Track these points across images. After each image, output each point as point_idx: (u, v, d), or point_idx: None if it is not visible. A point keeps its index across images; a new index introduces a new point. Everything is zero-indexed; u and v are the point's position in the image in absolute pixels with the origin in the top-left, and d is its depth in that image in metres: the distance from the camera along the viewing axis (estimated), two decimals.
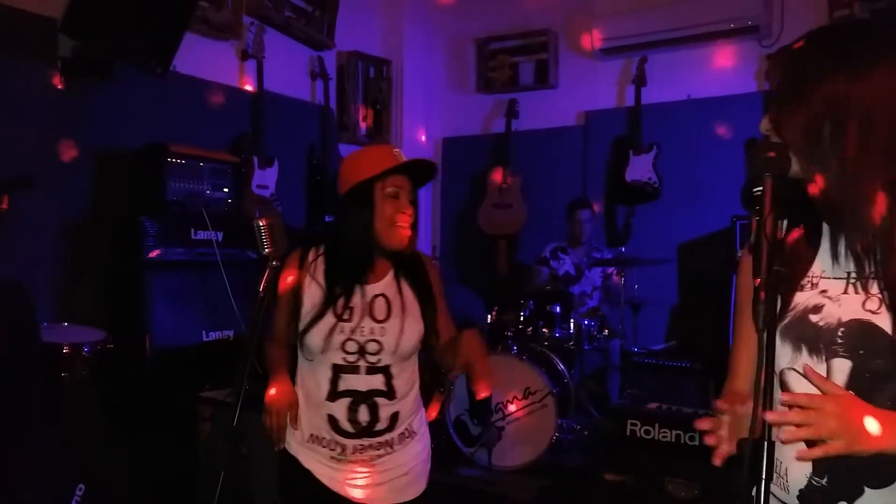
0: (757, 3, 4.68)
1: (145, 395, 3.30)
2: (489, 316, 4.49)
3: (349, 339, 1.81)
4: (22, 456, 2.50)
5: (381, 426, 1.84)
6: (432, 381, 4.18)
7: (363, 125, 5.60)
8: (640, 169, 5.04)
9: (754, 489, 1.11)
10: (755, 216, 1.01)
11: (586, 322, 4.41)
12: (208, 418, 3.15)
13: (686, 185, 4.96)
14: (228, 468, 1.72)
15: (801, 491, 1.14)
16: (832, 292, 1.13)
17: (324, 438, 1.84)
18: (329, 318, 1.81)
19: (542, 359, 4.16)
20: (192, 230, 3.56)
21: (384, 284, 1.89)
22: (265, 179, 4.37)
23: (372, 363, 1.82)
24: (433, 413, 4.16)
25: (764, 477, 0.94)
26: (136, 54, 3.57)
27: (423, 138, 6.03)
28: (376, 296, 1.86)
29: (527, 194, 5.52)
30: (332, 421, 1.83)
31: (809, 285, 1.16)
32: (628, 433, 3.43)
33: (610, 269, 4.78)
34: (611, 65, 5.40)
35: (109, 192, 3.73)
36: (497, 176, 5.58)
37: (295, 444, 1.88)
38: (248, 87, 4.57)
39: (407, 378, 1.90)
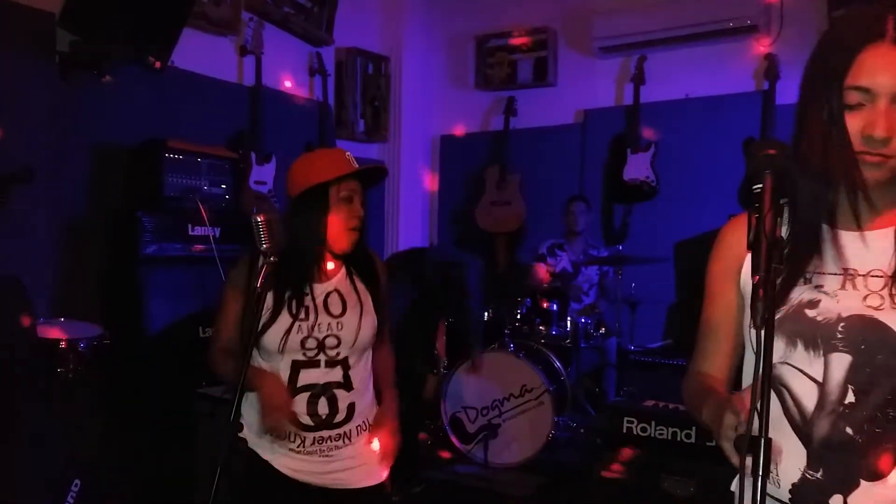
0: (755, 3, 4.69)
1: (142, 390, 3.29)
2: (486, 313, 4.49)
3: (308, 337, 1.85)
4: (18, 451, 2.49)
5: (339, 418, 1.89)
6: (425, 364, 4.21)
7: (361, 122, 5.60)
8: (637, 167, 5.04)
9: (735, 483, 1.11)
10: (754, 213, 1.01)
11: (583, 320, 4.42)
12: (205, 414, 3.15)
13: (684, 183, 4.97)
14: (224, 464, 1.72)
15: (793, 485, 1.14)
16: (828, 288, 1.13)
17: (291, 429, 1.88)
18: (285, 319, 1.85)
19: (538, 356, 4.16)
20: (190, 226, 3.55)
21: (336, 281, 1.95)
22: (263, 175, 4.37)
23: (331, 357, 1.88)
24: (431, 391, 4.18)
25: (761, 473, 0.94)
26: (134, 49, 3.57)
27: (421, 135, 6.03)
28: (330, 292, 1.92)
29: (525, 192, 5.52)
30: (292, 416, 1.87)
31: (803, 280, 1.16)
32: (625, 431, 3.44)
33: (606, 267, 4.79)
34: (609, 63, 5.40)
35: (107, 188, 3.72)
36: (495, 174, 5.58)
37: (252, 438, 1.91)
38: (247, 83, 4.56)
39: (363, 370, 1.96)
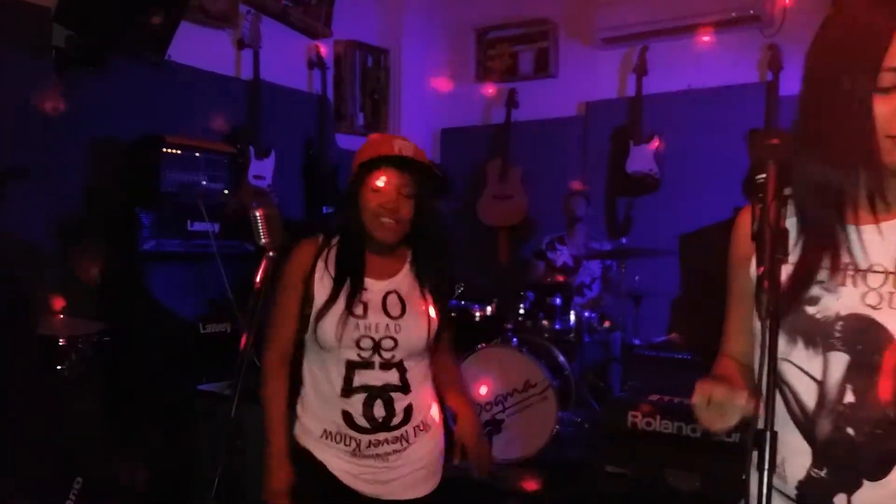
0: None
1: (142, 387, 3.27)
2: (489, 308, 4.46)
3: (364, 336, 1.79)
4: (19, 449, 2.48)
5: (396, 420, 1.82)
6: None
7: (361, 115, 5.56)
8: (640, 160, 5.01)
9: (745, 477, 1.10)
10: (758, 204, 1.00)
11: (587, 314, 4.39)
12: (205, 411, 3.13)
13: (687, 175, 4.93)
14: (225, 461, 1.69)
15: (799, 482, 1.14)
16: (829, 283, 1.11)
17: (337, 434, 1.82)
18: (341, 310, 1.79)
19: (542, 351, 4.13)
20: (189, 221, 3.53)
21: (399, 279, 1.87)
22: (262, 170, 4.34)
23: (386, 359, 1.80)
24: None
25: (767, 468, 0.93)
26: (130, 44, 3.53)
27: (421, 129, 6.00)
28: (390, 292, 1.85)
29: (527, 185, 5.49)
30: (347, 417, 1.81)
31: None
32: (629, 425, 3.41)
33: (610, 261, 4.75)
34: (611, 54, 5.35)
35: (104, 183, 3.70)
36: (496, 167, 5.54)
37: (306, 439, 1.87)
38: (245, 77, 4.52)
39: (421, 371, 1.89)
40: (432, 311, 1.87)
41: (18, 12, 3.31)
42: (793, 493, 1.14)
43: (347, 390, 1.80)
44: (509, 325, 4.24)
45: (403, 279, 1.88)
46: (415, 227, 1.85)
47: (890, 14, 1.04)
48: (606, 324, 4.48)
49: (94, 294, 3.57)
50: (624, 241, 4.76)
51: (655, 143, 4.98)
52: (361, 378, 1.80)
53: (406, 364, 1.83)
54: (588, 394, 4.42)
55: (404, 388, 1.83)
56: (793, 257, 1.11)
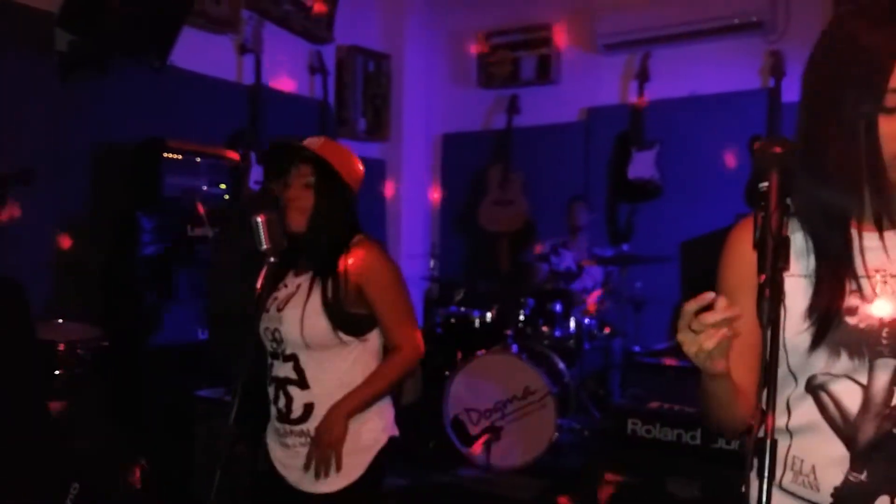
0: None
1: (141, 393, 3.27)
2: (489, 314, 4.45)
3: (267, 328, 1.90)
4: (16, 455, 2.47)
5: (295, 415, 1.88)
6: None
7: (363, 120, 5.56)
8: (642, 166, 5.00)
9: (745, 488, 1.08)
10: (760, 212, 0.99)
11: (587, 320, 4.38)
12: (204, 416, 3.12)
13: (689, 182, 4.92)
14: (224, 467, 1.69)
15: (836, 488, 1.12)
16: (864, 292, 1.11)
17: (273, 423, 1.95)
18: (264, 302, 1.90)
19: (541, 358, 4.12)
20: (189, 226, 3.52)
21: (306, 275, 1.91)
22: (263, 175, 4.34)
23: (282, 351, 1.90)
24: (409, 393, 3.99)
25: (766, 475, 0.92)
26: (133, 48, 3.54)
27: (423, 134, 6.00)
28: (300, 285, 1.90)
29: (528, 191, 5.48)
30: (272, 406, 1.94)
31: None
32: (629, 432, 3.40)
33: (611, 267, 4.74)
34: (613, 60, 5.35)
35: (106, 188, 3.70)
36: (497, 173, 5.54)
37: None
38: (246, 82, 4.53)
39: (324, 370, 1.86)
40: (317, 305, 1.84)
41: (22, 17, 3.32)
42: (827, 500, 1.13)
43: (269, 379, 1.94)
44: (509, 332, 4.24)
45: (309, 274, 1.91)
46: (312, 218, 1.87)
47: (892, 34, 1.05)
48: (607, 330, 4.47)
49: (94, 299, 3.57)
50: (625, 247, 4.75)
51: (657, 150, 4.97)
52: (274, 369, 1.92)
53: (300, 358, 1.87)
54: (588, 401, 4.41)
55: (301, 383, 1.88)
56: (806, 271, 1.11)
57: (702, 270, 4.90)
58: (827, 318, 1.08)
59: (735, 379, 1.19)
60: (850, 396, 1.11)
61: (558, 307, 4.34)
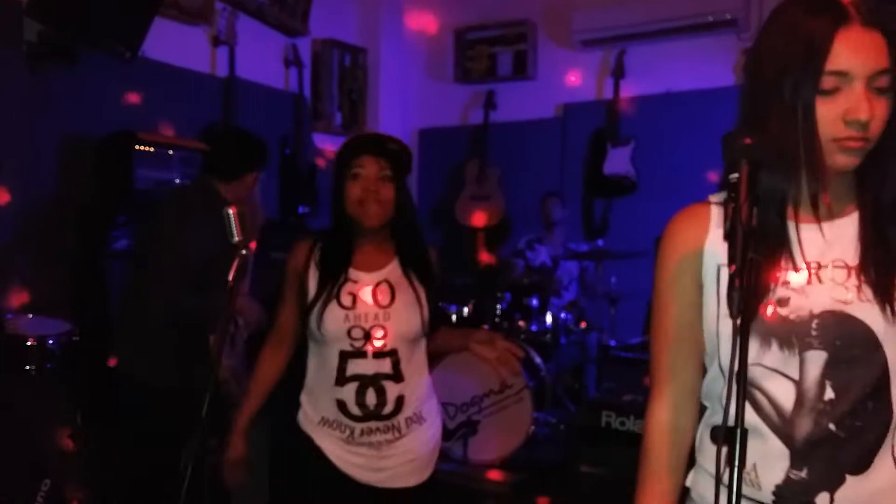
0: None
1: (112, 388, 3.22)
2: (466, 309, 4.45)
3: (354, 326, 1.87)
4: None
5: (387, 409, 1.89)
6: None
7: (339, 114, 5.53)
8: (617, 162, 5.03)
9: (689, 478, 1.08)
10: (730, 203, 1.00)
11: (563, 315, 4.40)
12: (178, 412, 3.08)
13: (664, 178, 4.96)
14: (193, 462, 1.67)
15: (777, 486, 1.12)
16: (795, 283, 1.12)
17: (333, 422, 1.90)
18: (329, 304, 1.87)
19: None
20: None
21: (388, 270, 1.95)
22: None
23: (378, 348, 1.88)
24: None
25: (737, 465, 0.93)
26: (104, 39, 3.48)
27: (399, 128, 5.97)
28: (380, 282, 1.92)
29: (505, 186, 5.49)
30: (341, 405, 1.89)
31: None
32: (603, 425, 3.43)
33: (586, 262, 4.77)
34: (589, 56, 5.38)
35: (77, 180, 3.63)
36: (474, 168, 5.54)
37: (307, 425, 1.95)
38: (220, 74, 4.48)
39: (415, 362, 1.95)
40: (423, 300, 1.94)
41: None
42: (769, 499, 1.13)
43: (341, 379, 1.88)
44: (486, 326, 4.24)
45: (393, 270, 1.95)
46: (396, 213, 1.93)
47: (830, 18, 1.06)
48: (583, 325, 4.50)
49: (65, 293, 3.51)
50: (601, 242, 4.78)
51: (632, 146, 5.00)
52: (354, 367, 1.87)
53: (399, 353, 1.89)
54: (564, 395, 4.43)
55: (396, 376, 1.89)
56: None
57: None
58: (752, 304, 1.06)
59: (686, 381, 1.24)
60: (783, 394, 1.12)
61: (535, 302, 4.35)
